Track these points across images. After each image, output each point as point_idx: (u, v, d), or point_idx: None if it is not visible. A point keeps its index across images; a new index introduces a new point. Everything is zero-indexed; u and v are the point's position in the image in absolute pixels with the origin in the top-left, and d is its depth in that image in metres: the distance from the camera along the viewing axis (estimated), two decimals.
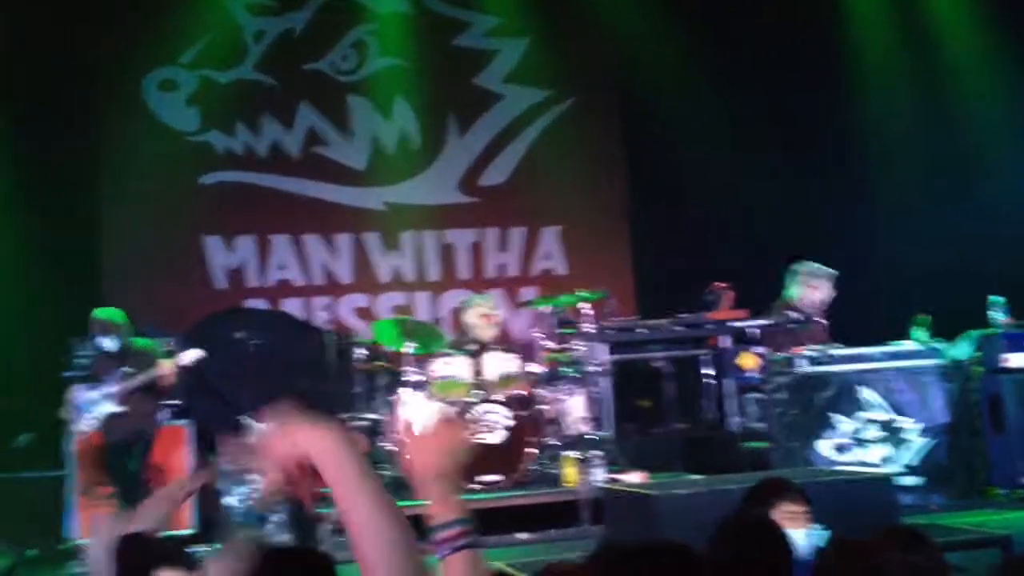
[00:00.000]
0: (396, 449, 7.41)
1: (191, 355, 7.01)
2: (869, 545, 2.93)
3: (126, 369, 6.99)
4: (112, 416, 6.93)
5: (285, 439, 1.80)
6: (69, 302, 8.88)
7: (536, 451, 7.37)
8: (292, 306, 10.17)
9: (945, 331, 7.28)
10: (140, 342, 7.23)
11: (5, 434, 8.27)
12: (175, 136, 10.13)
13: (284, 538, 6.41)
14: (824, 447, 6.75)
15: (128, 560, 2.14)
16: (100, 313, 7.24)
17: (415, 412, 7.28)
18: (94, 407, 6.92)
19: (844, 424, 6.81)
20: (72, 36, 9.34)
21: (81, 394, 6.97)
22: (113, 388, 6.95)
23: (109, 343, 7.10)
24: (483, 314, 7.92)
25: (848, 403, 6.83)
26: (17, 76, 9.07)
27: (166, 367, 6.99)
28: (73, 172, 9.38)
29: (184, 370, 7.03)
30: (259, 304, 10.11)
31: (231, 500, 6.92)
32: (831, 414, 6.81)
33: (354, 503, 1.72)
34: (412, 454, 1.81)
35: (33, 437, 8.09)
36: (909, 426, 6.85)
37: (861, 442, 6.78)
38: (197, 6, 10.15)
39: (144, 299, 8.91)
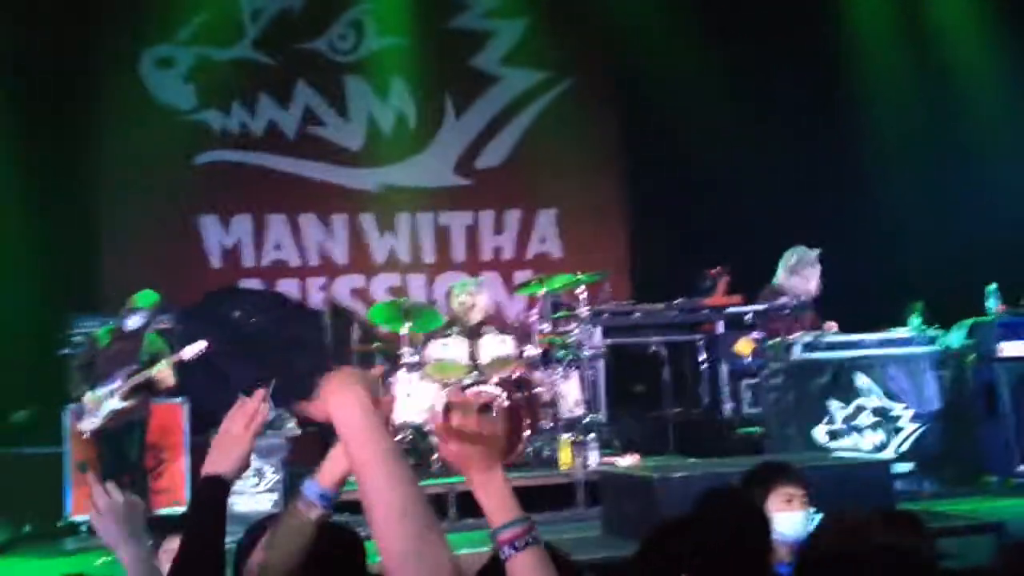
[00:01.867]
0: (390, 431, 7.42)
1: (193, 349, 7.00)
2: (863, 524, 2.98)
3: (131, 367, 6.96)
4: (114, 411, 6.94)
5: (319, 404, 1.84)
6: (66, 280, 8.90)
7: (531, 433, 7.40)
8: (288, 286, 10.17)
9: (940, 318, 7.32)
10: (151, 338, 7.19)
11: (3, 410, 8.27)
12: (171, 114, 10.10)
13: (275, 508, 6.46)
14: (818, 433, 6.79)
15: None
16: (141, 300, 7.17)
17: (403, 390, 7.31)
18: (101, 406, 6.91)
19: (838, 410, 6.85)
20: (69, 11, 9.28)
21: (91, 396, 6.95)
22: (117, 384, 6.94)
23: (135, 321, 7.08)
24: (461, 301, 7.92)
25: (843, 389, 6.87)
26: (13, 50, 9.02)
27: (166, 373, 6.95)
28: (70, 149, 9.34)
29: (185, 364, 7.01)
30: (254, 284, 10.11)
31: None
32: (825, 400, 6.85)
33: (367, 467, 1.73)
34: (448, 443, 1.80)
35: (31, 413, 8.09)
36: (902, 413, 6.90)
37: (855, 428, 6.82)
38: None
39: (141, 277, 8.85)
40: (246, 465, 2.12)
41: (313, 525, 1.98)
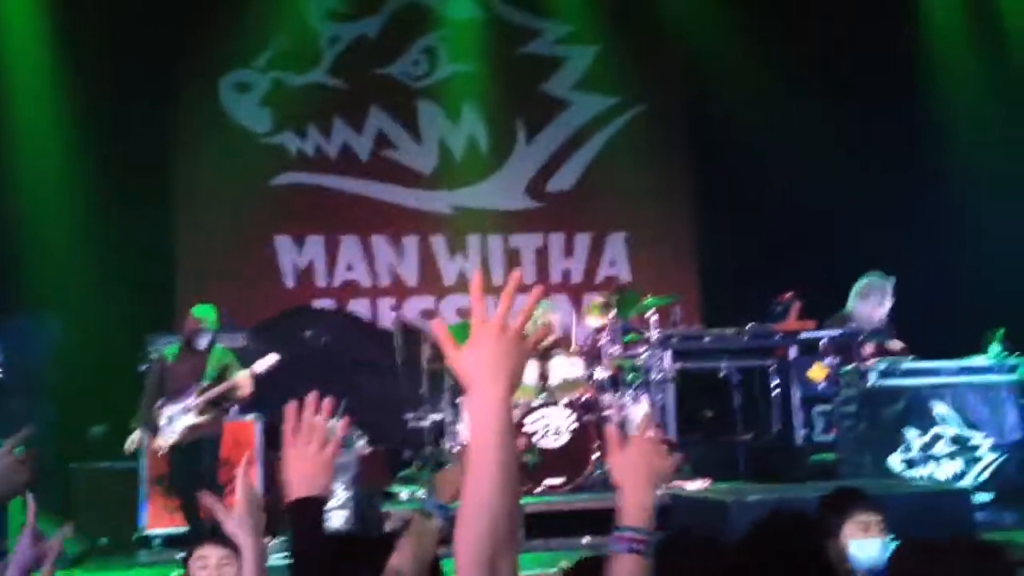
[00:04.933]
0: (461, 449, 7.46)
1: (266, 362, 7.07)
2: (946, 550, 2.90)
3: (203, 383, 7.06)
4: (190, 427, 7.02)
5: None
6: (145, 298, 9.10)
7: (599, 455, 7.36)
8: (359, 306, 10.28)
9: (1021, 346, 7.13)
10: (216, 350, 7.27)
11: (81, 425, 8.46)
12: (248, 137, 10.31)
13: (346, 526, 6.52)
14: (894, 461, 6.65)
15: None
16: (199, 312, 7.31)
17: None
18: (175, 422, 7.02)
19: (915, 439, 6.70)
20: (151, 38, 9.54)
21: (164, 412, 7.06)
22: (191, 400, 7.03)
23: (203, 339, 7.19)
24: (539, 323, 7.90)
25: (919, 417, 6.73)
26: (98, 77, 9.30)
27: (244, 380, 7.04)
28: (150, 171, 9.59)
29: (259, 378, 7.09)
30: (326, 303, 10.23)
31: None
32: (901, 428, 6.71)
33: (480, 464, 1.70)
34: (618, 459, 1.93)
35: (107, 428, 8.26)
36: (981, 441, 6.73)
37: (932, 457, 6.68)
38: (273, 10, 10.31)
39: (217, 296, 9.00)
40: (330, 480, 2.11)
41: (434, 533, 2.02)
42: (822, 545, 2.92)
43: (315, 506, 2.08)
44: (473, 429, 1.74)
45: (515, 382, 1.72)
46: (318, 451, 2.09)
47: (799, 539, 2.93)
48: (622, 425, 7.57)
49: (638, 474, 1.91)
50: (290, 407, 2.11)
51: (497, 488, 1.67)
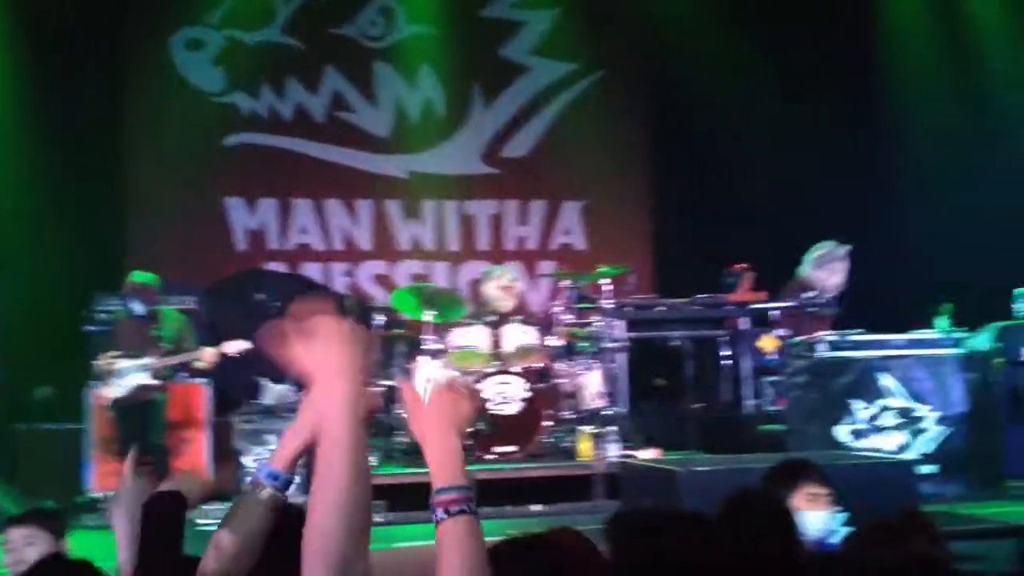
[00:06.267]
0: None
1: (236, 346, 7.05)
2: (892, 531, 2.93)
3: (162, 344, 7.03)
4: (141, 387, 6.99)
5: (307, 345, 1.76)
6: (92, 258, 8.94)
7: (551, 424, 7.39)
8: (311, 270, 10.19)
9: (968, 321, 7.24)
10: (169, 313, 7.26)
11: (26, 386, 8.32)
12: (200, 96, 10.11)
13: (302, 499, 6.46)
14: (841, 432, 6.74)
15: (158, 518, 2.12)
16: (137, 276, 7.30)
17: (423, 376, 7.31)
18: (127, 375, 6.97)
19: (862, 410, 6.79)
20: None
21: (114, 362, 7.01)
22: (151, 360, 7.01)
23: (138, 307, 7.16)
24: (502, 286, 7.92)
25: (867, 389, 6.81)
26: (43, 32, 9.06)
27: (210, 354, 7.04)
28: (99, 129, 9.38)
29: (226, 358, 7.08)
30: (279, 267, 10.13)
31: (248, 460, 6.98)
32: (849, 399, 6.79)
33: (332, 455, 1.71)
34: (417, 415, 1.82)
35: (53, 390, 8.14)
36: (927, 414, 6.83)
37: (878, 428, 6.76)
38: None
39: (166, 257, 8.92)
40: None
41: (265, 505, 1.94)
42: (792, 524, 2.93)
43: (175, 504, 2.06)
44: (324, 425, 1.73)
45: (360, 379, 1.75)
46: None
47: (768, 516, 2.95)
48: (574, 394, 7.60)
49: (440, 422, 1.77)
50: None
51: (348, 484, 1.68)
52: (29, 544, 3.44)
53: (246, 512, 1.95)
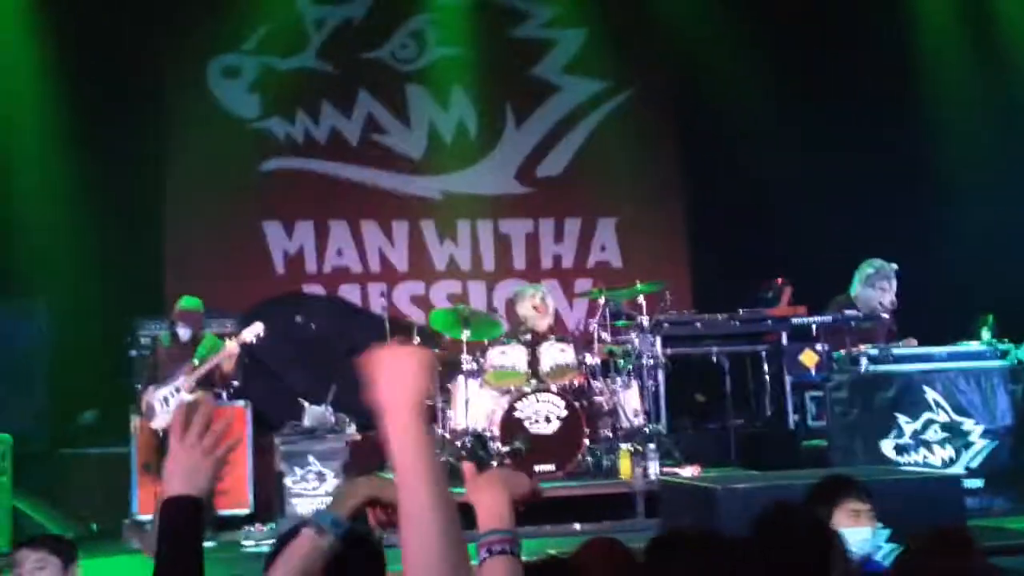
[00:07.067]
0: (449, 437, 7.45)
1: (252, 331, 7.12)
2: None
3: (192, 361, 7.10)
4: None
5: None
6: (133, 284, 9.06)
7: (590, 442, 7.36)
8: (349, 292, 10.25)
9: (1012, 332, 7.13)
10: (209, 338, 7.34)
11: (71, 410, 8.42)
12: (237, 122, 10.25)
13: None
14: (886, 447, 6.65)
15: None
16: (187, 302, 7.40)
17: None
18: (171, 403, 7.04)
19: (906, 424, 6.70)
20: (139, 22, 9.46)
21: (154, 394, 7.09)
22: (181, 380, 7.07)
23: (185, 332, 7.25)
24: (535, 305, 7.92)
25: (910, 403, 6.72)
26: (86, 61, 9.21)
27: (230, 347, 7.10)
28: (138, 156, 9.52)
29: (246, 347, 7.13)
30: (316, 289, 10.20)
31: (289, 481, 7.01)
32: (893, 414, 6.70)
33: (412, 483, 1.69)
34: (474, 488, 1.88)
35: (98, 413, 8.23)
36: (972, 428, 6.73)
37: (923, 443, 6.67)
38: None
39: (205, 282, 9.00)
40: (210, 483, 2.02)
41: (323, 552, 1.94)
42: (829, 540, 2.89)
43: (189, 506, 1.97)
44: (395, 456, 1.71)
45: (421, 404, 1.74)
46: (207, 451, 2.01)
47: (805, 532, 2.91)
48: (612, 411, 7.56)
49: (492, 487, 1.87)
50: (182, 405, 2.04)
51: (431, 506, 1.67)
52: (39, 568, 3.47)
53: (306, 557, 1.95)
